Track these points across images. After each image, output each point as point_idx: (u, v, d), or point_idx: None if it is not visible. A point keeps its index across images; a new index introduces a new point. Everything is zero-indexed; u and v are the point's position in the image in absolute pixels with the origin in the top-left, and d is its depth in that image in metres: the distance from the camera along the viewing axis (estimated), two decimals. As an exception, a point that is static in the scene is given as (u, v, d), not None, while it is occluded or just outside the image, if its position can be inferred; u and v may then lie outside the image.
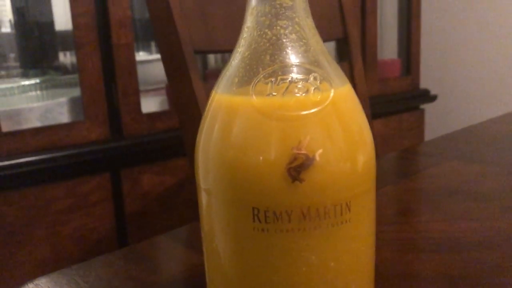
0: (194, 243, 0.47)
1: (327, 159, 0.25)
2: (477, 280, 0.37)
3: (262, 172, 0.25)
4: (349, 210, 0.26)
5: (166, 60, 0.70)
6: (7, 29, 1.46)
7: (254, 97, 0.26)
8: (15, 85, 1.15)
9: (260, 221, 0.26)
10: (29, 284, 0.41)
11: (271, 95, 0.26)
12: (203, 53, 0.74)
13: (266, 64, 0.26)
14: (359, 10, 1.48)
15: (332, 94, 0.26)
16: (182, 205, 1.23)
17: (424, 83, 1.67)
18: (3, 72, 1.34)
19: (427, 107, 1.67)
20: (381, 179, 0.62)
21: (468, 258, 0.40)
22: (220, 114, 0.27)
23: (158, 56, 1.47)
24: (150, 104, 1.25)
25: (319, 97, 0.26)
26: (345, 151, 0.26)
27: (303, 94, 0.26)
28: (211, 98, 0.28)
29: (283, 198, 0.25)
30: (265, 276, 0.26)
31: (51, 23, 1.39)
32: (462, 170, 0.64)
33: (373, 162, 0.28)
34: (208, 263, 0.30)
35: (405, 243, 0.45)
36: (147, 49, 1.48)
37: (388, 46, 1.70)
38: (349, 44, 0.91)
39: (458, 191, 0.56)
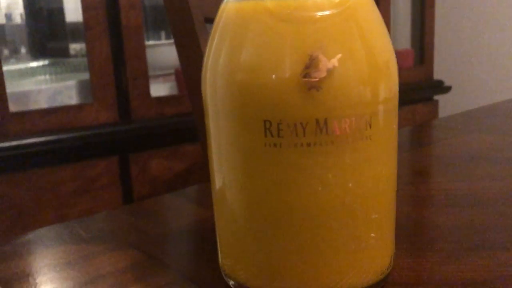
0: (202, 201, 0.45)
1: (345, 66, 0.23)
2: (500, 230, 0.34)
3: (275, 80, 0.23)
4: (370, 126, 0.24)
5: (176, 28, 0.68)
6: (17, 21, 1.46)
7: (267, -1, 0.24)
8: (23, 66, 1.14)
9: (272, 135, 0.24)
10: (29, 234, 0.39)
11: (285, -4, 0.23)
12: (212, 21, 0.72)
13: (281, -34, 0.24)
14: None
15: (352, -2, 0.24)
16: (191, 192, 1.21)
17: (438, 74, 1.64)
18: (13, 60, 1.34)
19: (441, 98, 1.64)
20: (398, 147, 0.59)
21: (490, 211, 0.38)
22: (230, 22, 0.25)
23: (168, 41, 1.46)
24: (159, 89, 1.24)
25: (338, -1, 0.24)
26: (366, 58, 0.24)
27: (321, -5, 0.23)
28: (219, 11, 0.26)
29: (297, 108, 0.23)
30: (278, 197, 0.24)
31: (61, 14, 1.39)
32: (482, 140, 0.61)
33: (396, 78, 0.26)
34: (216, 193, 0.28)
35: (423, 200, 0.42)
36: (157, 36, 1.47)
37: (401, 37, 1.67)
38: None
39: (479, 156, 0.53)
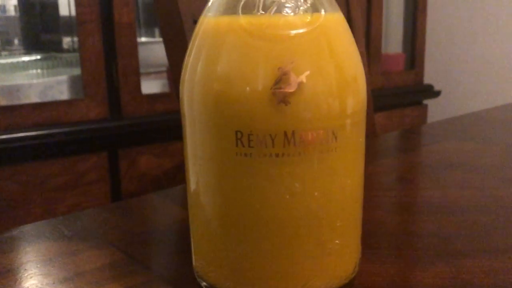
0: (185, 202, 0.46)
1: (314, 81, 0.24)
2: (466, 238, 0.36)
3: (247, 94, 0.24)
4: (336, 139, 0.25)
5: (165, 29, 0.69)
6: (11, 13, 1.46)
7: (241, 16, 0.25)
8: (15, 60, 1.14)
9: (243, 145, 0.25)
10: (13, 231, 0.40)
11: (259, 13, 0.25)
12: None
13: (256, -15, 0.25)
14: (365, 2, 1.47)
15: (322, 17, 0.25)
16: (179, 189, 1.22)
17: (428, 79, 1.65)
18: (5, 53, 1.34)
19: (430, 103, 1.66)
20: (379, 153, 0.61)
21: (462, 219, 0.39)
22: (208, 36, 0.26)
23: (160, 39, 1.47)
24: (150, 86, 1.25)
25: (309, 18, 0.25)
26: (334, 75, 0.25)
27: (292, 14, 0.25)
28: (198, 24, 0.27)
29: (267, 121, 0.24)
30: (248, 204, 0.26)
31: (55, 7, 1.39)
32: (460, 147, 0.63)
33: (363, 93, 0.27)
34: (191, 197, 0.29)
35: (399, 206, 0.44)
36: (150, 33, 1.48)
37: (393, 41, 1.69)
38: (352, 28, 0.90)
39: (456, 164, 0.55)
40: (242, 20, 0.25)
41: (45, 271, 0.33)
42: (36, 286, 0.31)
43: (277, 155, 0.25)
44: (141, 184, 1.17)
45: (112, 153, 1.13)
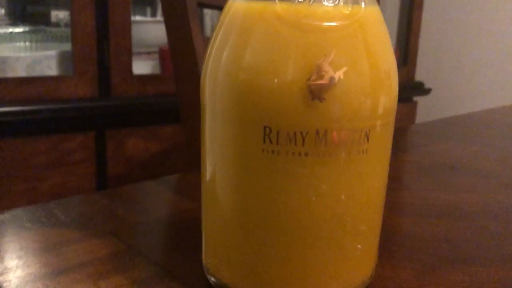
0: (185, 191, 0.45)
1: (350, 79, 0.23)
2: (476, 245, 0.35)
3: (279, 87, 0.23)
4: (368, 139, 0.24)
5: (167, 9, 0.67)
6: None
7: (277, 2, 0.23)
8: (2, 31, 1.10)
9: (271, 142, 0.23)
10: (5, 213, 0.38)
11: (296, 1, 0.23)
12: (206, 6, 0.71)
13: (294, -30, 0.24)
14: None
15: (362, 10, 0.24)
16: (166, 174, 1.20)
17: (419, 76, 1.66)
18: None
19: (420, 100, 1.66)
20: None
21: (467, 224, 0.39)
22: (237, 21, 0.25)
23: (153, 18, 1.43)
24: (142, 67, 1.22)
25: (349, 10, 0.23)
26: (370, 74, 0.24)
27: (333, 5, 0.23)
28: (226, 7, 0.26)
29: (299, 117, 0.23)
30: (270, 203, 0.24)
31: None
32: (459, 149, 0.62)
33: (396, 93, 0.26)
34: (207, 192, 0.27)
35: (401, 208, 0.43)
36: (142, 12, 1.44)
37: (387, 35, 1.68)
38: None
39: (457, 166, 0.54)
40: (278, 6, 0.23)
41: (43, 260, 0.31)
42: (35, 276, 0.29)
43: (306, 154, 0.23)
44: (127, 166, 1.14)
45: (100, 134, 1.10)
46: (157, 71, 1.27)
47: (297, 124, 0.23)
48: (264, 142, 0.23)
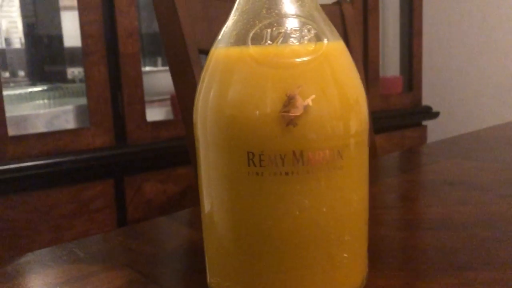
0: (194, 224, 0.48)
1: (319, 104, 0.26)
2: (469, 252, 0.37)
3: (258, 115, 0.26)
4: (341, 157, 0.27)
5: (171, 58, 0.72)
6: (17, 46, 1.50)
7: (250, 46, 0.27)
8: (22, 91, 1.17)
9: (255, 165, 0.27)
10: (29, 254, 0.41)
11: (266, 44, 0.27)
12: (207, 53, 0.76)
13: (263, 17, 0.27)
14: (362, 27, 1.51)
15: (325, 45, 0.27)
16: (184, 215, 1.23)
17: (426, 100, 1.68)
18: (12, 84, 1.37)
19: (430, 124, 1.68)
20: (381, 173, 0.62)
21: (463, 234, 0.41)
22: (219, 65, 0.28)
23: (164, 68, 1.50)
24: (155, 114, 1.27)
25: (313, 46, 0.27)
26: (337, 98, 0.27)
27: (298, 43, 0.27)
28: (209, 54, 0.30)
29: (277, 142, 0.26)
30: (260, 220, 0.27)
31: (60, 39, 1.43)
32: (460, 165, 0.64)
33: (365, 113, 0.29)
34: (205, 215, 0.30)
35: (401, 223, 0.45)
36: (153, 63, 1.51)
37: (390, 64, 1.72)
38: (352, 54, 0.92)
39: (456, 182, 0.56)
40: (252, 50, 0.27)
41: (64, 292, 0.34)
42: (58, 306, 0.32)
43: (286, 174, 0.26)
44: (147, 210, 1.18)
45: (118, 180, 1.14)
46: (170, 116, 1.32)
47: (276, 148, 0.26)
48: (249, 165, 0.27)
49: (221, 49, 0.29)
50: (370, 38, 1.51)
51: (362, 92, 0.29)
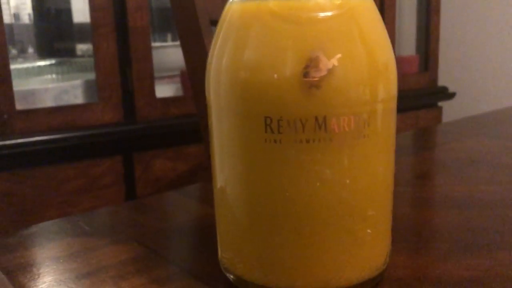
0: (203, 198, 0.46)
1: (346, 65, 0.24)
2: (496, 232, 0.35)
3: (277, 78, 0.24)
4: (368, 125, 0.25)
5: (182, 29, 0.69)
6: (26, 21, 1.48)
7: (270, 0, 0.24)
8: (30, 65, 1.15)
9: (272, 131, 0.24)
10: (33, 227, 0.40)
11: (288, -4, 0.24)
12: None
13: (284, -32, 0.25)
14: (378, 5, 1.46)
15: (353, 0, 0.25)
16: (193, 193, 1.21)
17: (442, 81, 1.64)
18: (20, 59, 1.36)
19: (445, 105, 1.64)
20: (399, 151, 0.60)
21: (489, 214, 0.38)
22: (234, 22, 0.26)
23: (173, 43, 1.47)
24: (164, 91, 1.25)
25: (339, 0, 0.24)
26: (366, 59, 0.24)
27: (322, -3, 0.24)
28: (224, 10, 0.27)
29: (297, 105, 0.24)
30: (277, 192, 0.25)
31: (69, 14, 1.40)
32: (483, 144, 0.61)
33: (394, 79, 0.26)
34: (217, 188, 0.28)
35: (422, 201, 0.43)
36: (163, 37, 1.48)
37: (406, 43, 1.68)
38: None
39: (480, 161, 0.54)
40: (271, 3, 0.24)
41: (67, 266, 0.32)
42: (60, 280, 0.30)
43: (307, 141, 0.24)
44: (155, 188, 1.16)
45: (127, 157, 1.13)
46: (180, 93, 1.30)
47: (296, 112, 0.24)
48: (266, 132, 0.24)
49: (237, 4, 0.26)
50: (386, 16, 1.46)
51: (391, 55, 0.26)
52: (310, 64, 0.23)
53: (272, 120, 0.24)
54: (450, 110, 1.67)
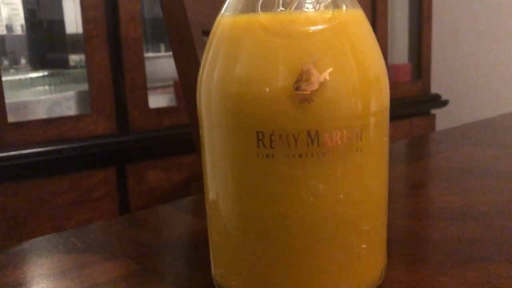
0: (197, 212, 0.46)
1: (337, 78, 0.24)
2: (490, 243, 0.35)
3: (268, 92, 0.24)
4: (361, 138, 0.25)
5: (174, 40, 0.69)
6: (18, 32, 1.47)
7: (260, 13, 0.24)
8: (22, 77, 1.14)
9: (265, 146, 0.24)
10: (24, 244, 0.39)
11: (278, 10, 0.24)
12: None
13: (274, -18, 0.25)
14: (370, 13, 1.47)
15: (344, 13, 0.25)
16: (188, 204, 1.21)
17: (435, 88, 1.65)
18: (13, 71, 1.35)
19: (438, 113, 1.65)
20: (393, 160, 0.60)
21: (485, 224, 0.38)
22: (225, 36, 0.26)
23: (166, 53, 1.47)
24: (157, 101, 1.24)
25: (330, 14, 0.24)
26: (357, 72, 0.24)
27: (313, 10, 0.24)
28: (215, 23, 0.27)
29: (289, 119, 0.23)
30: (270, 208, 0.25)
31: (62, 25, 1.40)
32: (476, 153, 0.61)
33: (386, 91, 0.26)
34: (210, 203, 0.28)
35: (416, 212, 0.43)
36: (156, 48, 1.48)
37: (399, 51, 1.69)
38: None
39: (473, 170, 0.54)
40: (262, 17, 0.24)
41: (58, 284, 0.32)
42: (50, 299, 0.30)
43: (300, 156, 0.24)
44: (149, 198, 1.16)
45: (120, 168, 1.12)
46: (173, 103, 1.29)
47: (289, 127, 0.23)
48: (258, 147, 0.24)
49: (227, 17, 0.26)
50: (378, 24, 1.47)
51: (383, 67, 0.26)
52: (302, 78, 0.23)
53: (264, 135, 0.24)
54: (443, 118, 1.67)
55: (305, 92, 0.23)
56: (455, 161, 0.58)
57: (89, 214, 1.08)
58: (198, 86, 0.27)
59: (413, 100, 1.57)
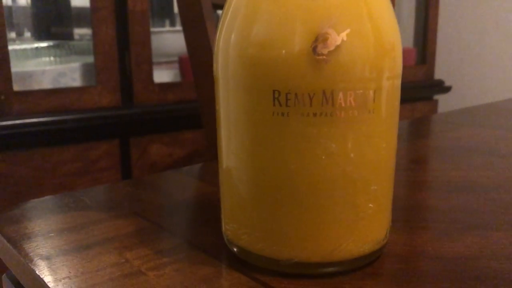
0: (205, 178, 0.47)
1: (354, 41, 0.24)
2: (491, 213, 0.36)
3: (285, 54, 0.24)
4: (374, 100, 0.25)
5: (184, 13, 0.69)
6: (23, 3, 1.46)
7: (280, -26, 0.25)
8: (28, 46, 1.15)
9: (280, 105, 0.25)
10: (35, 201, 0.40)
11: (299, -29, 0.24)
12: (221, 8, 0.73)
13: None
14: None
15: (362, -23, 0.25)
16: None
17: (438, 74, 1.65)
18: (18, 42, 1.35)
19: (441, 98, 1.65)
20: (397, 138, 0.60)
21: (484, 197, 0.39)
22: (244, -4, 0.26)
23: (172, 28, 1.47)
24: (162, 76, 1.25)
25: (349, -23, 0.25)
26: (374, 37, 0.25)
27: (332, -28, 0.24)
28: (235, -15, 0.27)
29: (306, 79, 0.24)
30: (283, 164, 0.25)
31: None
32: (478, 133, 0.62)
33: (400, 60, 0.27)
34: (223, 160, 0.29)
35: (419, 184, 0.44)
36: (162, 23, 1.48)
37: (404, 35, 1.68)
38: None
39: (476, 148, 0.55)
40: (282, -22, 0.25)
41: (71, 237, 0.33)
42: (65, 250, 0.31)
43: (314, 115, 0.24)
44: (151, 172, 1.17)
45: (124, 141, 1.13)
46: (178, 79, 1.30)
47: (304, 86, 0.24)
48: (274, 105, 0.25)
49: (248, -21, 0.26)
50: (385, 7, 1.47)
51: (398, 35, 0.27)
52: (319, 39, 0.24)
53: (280, 94, 0.25)
54: (445, 104, 1.68)
55: (322, 53, 0.24)
56: (458, 140, 0.59)
57: (92, 184, 1.09)
58: (216, 45, 0.28)
59: (416, 85, 1.58)
